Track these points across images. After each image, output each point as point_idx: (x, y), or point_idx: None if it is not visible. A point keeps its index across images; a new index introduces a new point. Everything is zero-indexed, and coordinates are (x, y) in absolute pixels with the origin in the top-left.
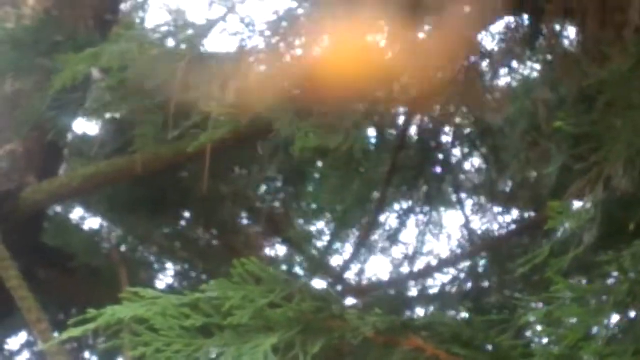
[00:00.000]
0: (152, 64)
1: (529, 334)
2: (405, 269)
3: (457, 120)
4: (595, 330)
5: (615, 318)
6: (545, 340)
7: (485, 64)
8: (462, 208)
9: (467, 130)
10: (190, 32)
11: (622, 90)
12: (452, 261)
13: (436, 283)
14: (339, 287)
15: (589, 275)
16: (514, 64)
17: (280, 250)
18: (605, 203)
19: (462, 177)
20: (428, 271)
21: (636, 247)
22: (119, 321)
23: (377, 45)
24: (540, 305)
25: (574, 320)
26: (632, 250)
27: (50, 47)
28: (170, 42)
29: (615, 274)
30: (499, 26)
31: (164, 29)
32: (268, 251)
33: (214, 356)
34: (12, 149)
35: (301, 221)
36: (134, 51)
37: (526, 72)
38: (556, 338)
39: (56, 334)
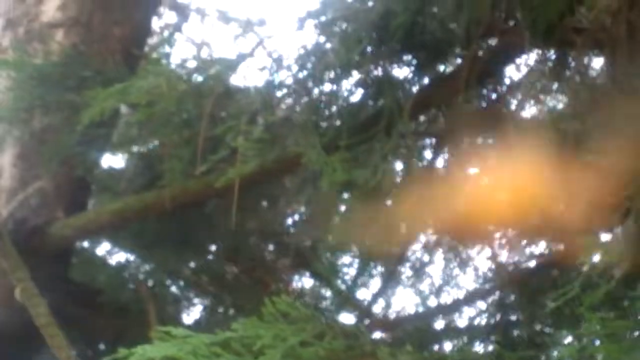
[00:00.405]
0: (180, 99)
1: None
2: (432, 302)
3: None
4: None
5: None
6: None
7: (512, 97)
8: (490, 241)
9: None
10: (218, 67)
11: None
12: (480, 294)
13: (464, 316)
14: (367, 321)
15: (620, 310)
16: (541, 95)
17: (307, 283)
18: (636, 236)
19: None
20: (456, 304)
21: None
22: None
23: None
24: (570, 340)
25: (605, 356)
26: None
27: (78, 82)
28: (198, 77)
29: None
30: (526, 59)
31: (192, 64)
32: (295, 285)
33: None
34: (40, 185)
35: (328, 254)
36: (162, 86)
37: (552, 104)
38: None
39: None
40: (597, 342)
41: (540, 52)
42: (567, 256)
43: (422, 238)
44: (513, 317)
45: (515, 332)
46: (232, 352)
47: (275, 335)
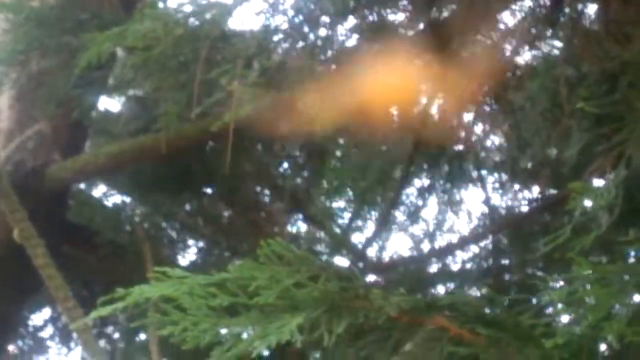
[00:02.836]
0: (176, 43)
1: (550, 312)
2: (426, 246)
3: (479, 98)
4: (616, 309)
5: (636, 297)
6: (566, 319)
7: (506, 42)
8: (484, 185)
9: (488, 108)
10: (214, 11)
11: None
12: (473, 239)
13: (457, 260)
14: (361, 264)
15: (610, 254)
16: (535, 41)
17: (302, 227)
18: (627, 183)
19: (483, 154)
20: (449, 248)
21: None
22: (146, 300)
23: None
24: (561, 284)
25: (595, 299)
26: None
27: (74, 26)
28: (194, 22)
29: (637, 253)
30: (520, 4)
31: (188, 8)
32: (290, 228)
33: (240, 335)
34: (37, 127)
35: (323, 198)
36: (158, 30)
37: (547, 50)
38: (577, 317)
39: (80, 310)
40: (588, 287)
41: None
42: (559, 201)
43: (416, 182)
44: (505, 262)
45: (507, 276)
46: (228, 292)
47: (270, 276)
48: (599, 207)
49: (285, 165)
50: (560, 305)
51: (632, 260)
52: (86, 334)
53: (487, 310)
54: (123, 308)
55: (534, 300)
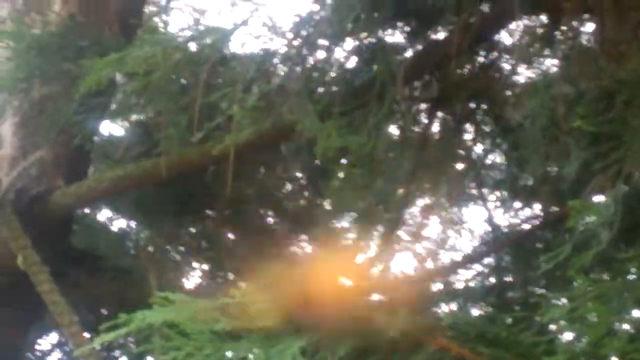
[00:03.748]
0: (175, 67)
1: (552, 329)
2: (429, 265)
3: (478, 117)
4: (618, 326)
5: (637, 313)
6: (569, 337)
7: (504, 61)
8: (485, 203)
9: (488, 127)
10: (213, 35)
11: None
12: (475, 257)
13: (460, 279)
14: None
15: (610, 271)
16: (533, 60)
17: (306, 248)
18: (625, 199)
19: (484, 173)
20: (452, 267)
21: None
22: (149, 325)
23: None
24: (563, 301)
25: (596, 316)
26: None
27: (75, 52)
28: (194, 46)
29: (637, 270)
30: (518, 24)
31: (187, 33)
32: (294, 249)
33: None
34: (40, 154)
35: (326, 219)
36: (157, 55)
37: (545, 68)
38: (579, 335)
39: (87, 335)
40: (589, 304)
41: (531, 17)
42: (561, 218)
43: (419, 202)
44: (508, 279)
45: (510, 294)
46: (230, 317)
47: (271, 300)
48: (598, 224)
49: (288, 187)
50: (562, 323)
51: (632, 277)
52: (91, 358)
53: (488, 329)
54: (126, 333)
55: (537, 318)
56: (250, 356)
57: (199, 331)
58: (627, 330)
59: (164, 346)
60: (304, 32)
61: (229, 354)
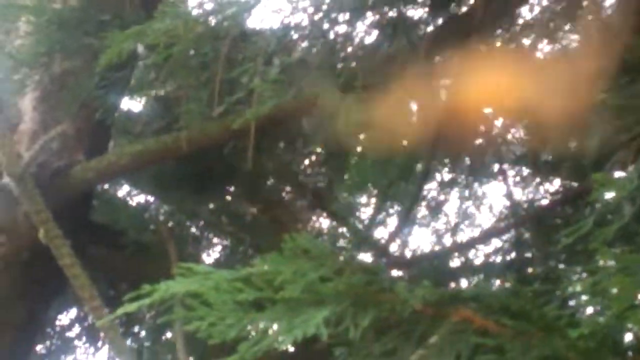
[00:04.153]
0: (196, 40)
1: (573, 303)
2: (448, 241)
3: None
4: None
5: None
6: (590, 310)
7: (526, 35)
8: (505, 179)
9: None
10: (234, 9)
11: None
12: (495, 232)
13: (480, 254)
14: (384, 260)
15: (633, 245)
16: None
17: (325, 223)
18: None
19: (504, 148)
20: (471, 243)
21: None
22: (172, 296)
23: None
24: (584, 275)
25: (618, 289)
26: None
27: (96, 26)
28: (214, 20)
29: None
30: None
31: (208, 6)
32: (313, 224)
33: (266, 329)
34: (61, 128)
35: (345, 194)
36: (178, 28)
37: (566, 43)
38: (602, 308)
39: (106, 310)
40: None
41: None
42: (581, 194)
43: (437, 176)
44: (528, 255)
45: (530, 269)
46: (254, 287)
47: (295, 270)
48: (621, 198)
49: (307, 162)
50: (584, 297)
51: None
52: (112, 332)
53: (512, 302)
54: (149, 305)
55: (558, 292)
56: (274, 326)
57: (222, 301)
58: None
59: (186, 316)
60: (324, 6)
61: (251, 324)
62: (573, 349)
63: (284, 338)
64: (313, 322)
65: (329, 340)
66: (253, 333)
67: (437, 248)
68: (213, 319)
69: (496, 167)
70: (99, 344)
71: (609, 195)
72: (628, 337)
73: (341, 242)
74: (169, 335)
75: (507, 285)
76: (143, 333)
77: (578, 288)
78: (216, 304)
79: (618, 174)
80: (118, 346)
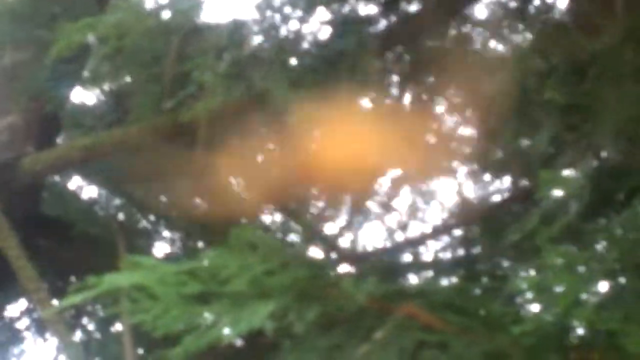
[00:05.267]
0: (147, 34)
1: (519, 300)
2: (399, 237)
3: (450, 90)
4: (585, 297)
5: (604, 285)
6: (536, 307)
7: (477, 34)
8: (455, 176)
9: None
10: (186, 3)
11: (612, 62)
12: (445, 229)
13: (429, 250)
14: (333, 255)
15: (579, 243)
16: (506, 33)
17: (276, 217)
18: (595, 172)
19: (455, 145)
20: (421, 239)
21: (625, 216)
22: (118, 288)
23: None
24: (531, 272)
25: (564, 287)
26: (621, 218)
27: (48, 19)
28: (166, 14)
29: (605, 241)
30: None
31: (161, 0)
32: (263, 219)
33: (212, 322)
34: (11, 120)
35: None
36: (129, 21)
37: (517, 41)
38: (546, 305)
39: (55, 302)
40: (556, 274)
41: None
42: (531, 192)
43: (389, 172)
44: (477, 251)
45: (479, 266)
46: (199, 280)
47: (241, 264)
48: (567, 196)
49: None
50: (529, 293)
51: (600, 248)
52: (57, 324)
53: (457, 298)
54: (95, 297)
55: (505, 289)
56: (220, 319)
57: (167, 294)
58: (594, 301)
59: (132, 309)
60: (276, 2)
61: (197, 317)
62: (516, 346)
63: (230, 331)
64: (258, 316)
65: (274, 334)
66: (199, 326)
67: (387, 244)
68: (158, 312)
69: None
70: (47, 335)
71: (557, 193)
72: (574, 334)
73: (291, 237)
74: (118, 327)
75: (455, 282)
76: (92, 325)
77: (524, 285)
78: (161, 297)
79: (565, 172)
80: (64, 338)
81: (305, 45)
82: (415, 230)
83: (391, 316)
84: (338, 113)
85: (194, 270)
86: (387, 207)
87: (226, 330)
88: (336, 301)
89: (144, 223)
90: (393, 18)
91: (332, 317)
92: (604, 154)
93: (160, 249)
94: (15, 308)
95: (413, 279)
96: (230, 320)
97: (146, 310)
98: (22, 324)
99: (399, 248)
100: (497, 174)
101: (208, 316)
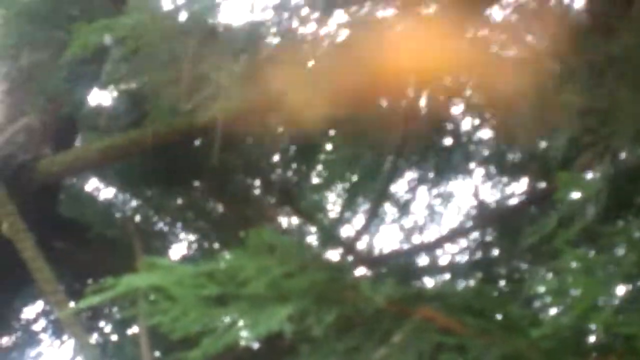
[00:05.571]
0: (164, 35)
1: (537, 304)
2: (415, 239)
3: (467, 91)
4: (603, 300)
5: (622, 288)
6: (554, 310)
7: (495, 35)
8: (472, 178)
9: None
10: (202, 4)
11: (630, 65)
12: (462, 232)
13: (446, 253)
14: (350, 258)
15: (597, 246)
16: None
17: (293, 220)
18: (613, 175)
19: (472, 147)
20: (438, 241)
21: None
22: (135, 290)
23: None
24: (549, 275)
25: (581, 290)
26: (638, 222)
27: (65, 20)
28: (183, 15)
29: (623, 245)
30: None
31: (178, 2)
32: (281, 221)
33: (230, 325)
34: (27, 121)
35: (313, 191)
36: (146, 22)
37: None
38: (564, 308)
39: (72, 303)
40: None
41: None
42: (548, 194)
43: (407, 175)
44: (494, 254)
45: (496, 269)
46: (217, 282)
47: (259, 267)
48: (585, 199)
49: (276, 158)
50: (547, 297)
51: (619, 251)
52: (75, 326)
53: (475, 301)
54: (113, 299)
55: (523, 292)
56: (238, 322)
57: (185, 296)
58: (612, 304)
59: (149, 310)
60: (293, 4)
61: (215, 319)
62: (535, 349)
63: (248, 334)
64: (277, 319)
65: (292, 337)
66: (217, 328)
67: (404, 246)
68: (176, 314)
69: (464, 166)
70: (65, 337)
71: (575, 195)
72: (591, 338)
73: (309, 240)
74: (135, 329)
75: (472, 284)
76: (109, 328)
77: (542, 288)
78: (179, 299)
79: (583, 174)
80: (81, 339)
81: (322, 47)
82: (432, 233)
83: (409, 319)
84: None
85: (212, 272)
86: (404, 210)
87: (244, 333)
88: (354, 304)
89: (160, 225)
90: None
91: (350, 320)
92: (622, 156)
93: (177, 251)
94: (32, 310)
95: (430, 282)
96: (248, 322)
97: (164, 312)
98: (39, 325)
99: (415, 251)
100: (515, 176)
101: (226, 318)
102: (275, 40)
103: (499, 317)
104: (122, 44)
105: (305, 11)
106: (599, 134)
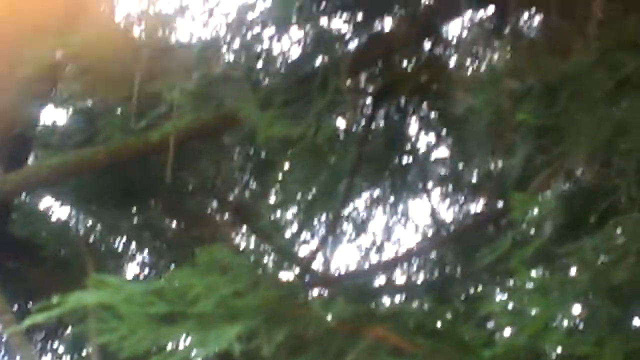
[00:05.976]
0: (116, 50)
1: (492, 324)
2: (373, 259)
3: (423, 110)
4: (557, 320)
5: (577, 309)
6: (508, 330)
7: (451, 54)
8: (429, 198)
9: (433, 121)
10: (155, 20)
11: (584, 84)
12: (419, 251)
13: (403, 273)
14: (307, 277)
15: (551, 266)
16: (480, 53)
17: (249, 240)
18: (568, 194)
19: (429, 167)
20: (395, 261)
21: (597, 239)
22: (83, 307)
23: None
24: (504, 295)
25: (536, 310)
26: (592, 242)
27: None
28: (135, 31)
29: (577, 264)
30: (465, 17)
31: (130, 17)
32: (237, 241)
33: (178, 343)
34: None
35: (270, 211)
36: (98, 39)
37: (492, 62)
38: (518, 328)
39: (17, 323)
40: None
41: (478, 11)
42: (504, 214)
43: (364, 194)
44: (451, 274)
45: (452, 289)
46: (166, 300)
47: (208, 285)
48: (541, 218)
49: (231, 177)
50: (502, 316)
51: (571, 271)
52: (25, 347)
53: (428, 321)
54: (63, 317)
55: (478, 312)
56: (187, 341)
57: (133, 314)
58: (565, 325)
59: (98, 329)
60: (248, 21)
61: (163, 337)
62: None
63: (197, 352)
64: (225, 338)
65: (242, 357)
66: (166, 347)
67: (361, 266)
68: (124, 332)
69: (420, 185)
70: (17, 358)
71: (530, 215)
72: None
73: (265, 259)
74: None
75: (427, 304)
76: (62, 349)
77: (496, 308)
78: (127, 317)
79: (539, 194)
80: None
81: (276, 64)
82: (389, 252)
83: (361, 339)
84: (307, 132)
85: (161, 290)
86: (360, 230)
87: (193, 352)
88: (305, 322)
89: (115, 244)
90: (365, 37)
91: (301, 339)
92: (576, 175)
93: (131, 270)
94: None
95: (386, 302)
96: (197, 341)
97: (112, 330)
98: None
99: (372, 270)
100: (471, 196)
101: (175, 337)
102: (228, 58)
103: (452, 337)
104: (75, 60)
105: (258, 28)
106: (554, 153)
